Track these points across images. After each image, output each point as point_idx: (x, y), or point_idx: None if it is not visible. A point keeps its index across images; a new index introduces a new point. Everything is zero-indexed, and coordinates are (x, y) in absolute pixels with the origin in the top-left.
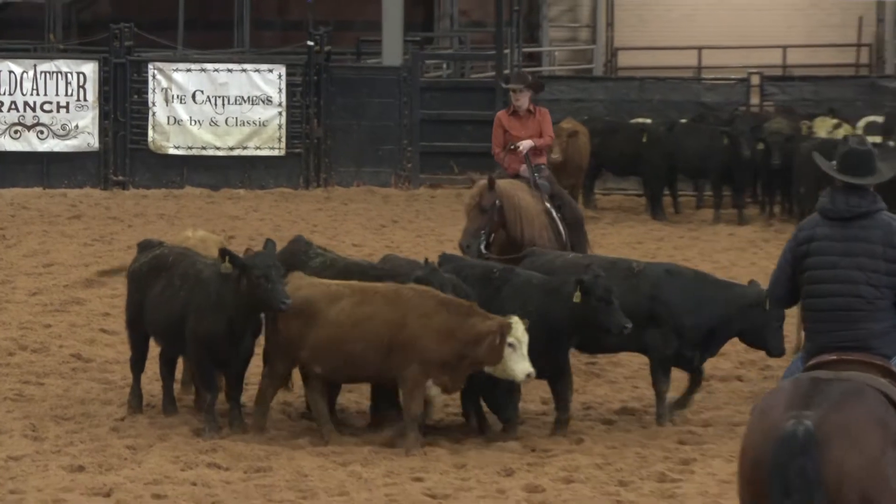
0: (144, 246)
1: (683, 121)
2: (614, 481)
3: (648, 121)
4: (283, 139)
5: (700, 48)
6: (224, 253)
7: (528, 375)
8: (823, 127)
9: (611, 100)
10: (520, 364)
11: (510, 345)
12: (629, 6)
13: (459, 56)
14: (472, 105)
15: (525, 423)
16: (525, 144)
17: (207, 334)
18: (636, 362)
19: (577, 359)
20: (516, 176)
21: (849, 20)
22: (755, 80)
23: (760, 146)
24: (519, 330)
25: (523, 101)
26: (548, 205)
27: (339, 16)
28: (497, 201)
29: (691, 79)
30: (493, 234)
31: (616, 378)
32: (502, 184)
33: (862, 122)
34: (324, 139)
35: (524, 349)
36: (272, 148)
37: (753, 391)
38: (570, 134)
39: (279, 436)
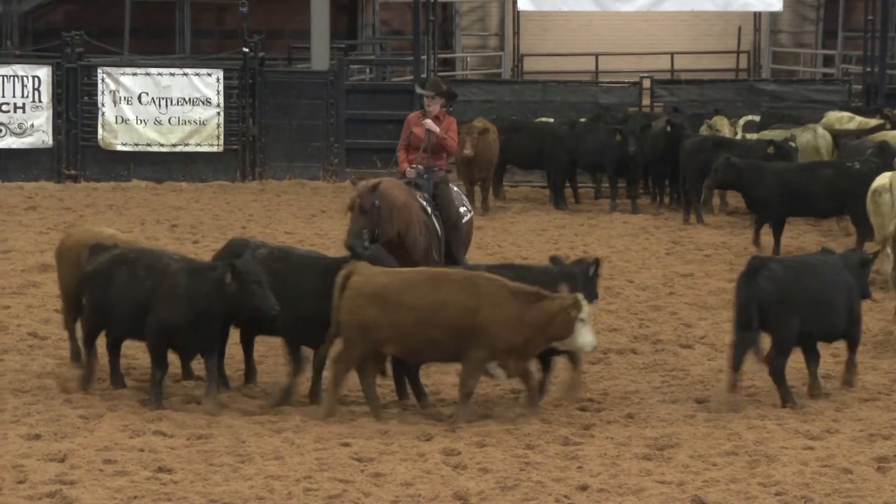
0: (96, 249)
1: (582, 120)
2: (522, 445)
3: (551, 120)
4: (222, 137)
5: (597, 54)
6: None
7: (594, 347)
8: (724, 125)
9: (517, 101)
10: (588, 337)
11: (581, 319)
12: (533, 16)
13: (381, 61)
14: (393, 106)
15: (441, 394)
16: (429, 124)
17: (170, 324)
18: None
19: None
20: (402, 177)
21: (729, 29)
22: (646, 83)
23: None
24: (586, 305)
25: (434, 107)
26: (424, 203)
27: (271, 25)
28: (376, 202)
29: (589, 82)
30: (375, 233)
31: None
32: (382, 185)
33: (742, 121)
34: (258, 137)
35: (590, 323)
36: (211, 145)
37: (646, 363)
38: (481, 132)
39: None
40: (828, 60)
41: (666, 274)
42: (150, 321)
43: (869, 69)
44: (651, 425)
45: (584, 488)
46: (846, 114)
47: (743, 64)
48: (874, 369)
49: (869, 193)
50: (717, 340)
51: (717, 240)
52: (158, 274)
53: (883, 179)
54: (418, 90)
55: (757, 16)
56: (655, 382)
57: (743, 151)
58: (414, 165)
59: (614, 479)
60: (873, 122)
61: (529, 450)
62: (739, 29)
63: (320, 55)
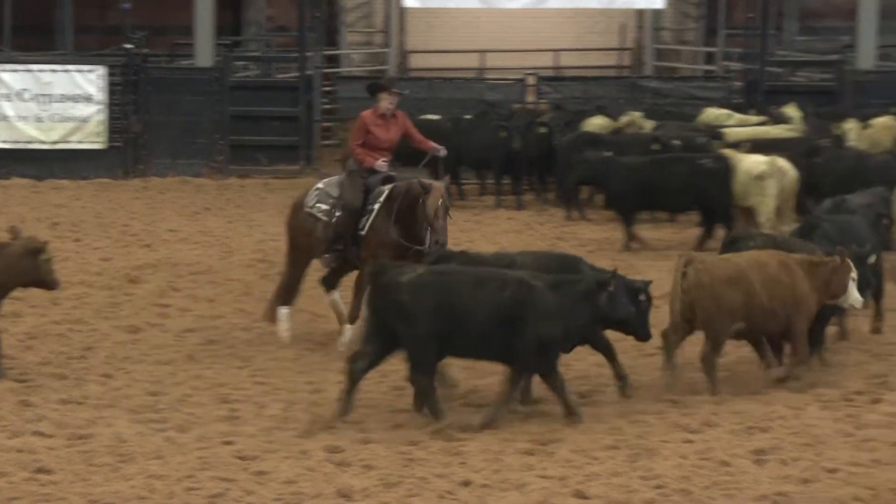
0: None
1: (468, 117)
2: (406, 441)
3: (437, 117)
4: (104, 134)
5: (483, 51)
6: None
7: (863, 304)
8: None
9: (403, 98)
10: (857, 293)
11: (853, 279)
12: (419, 13)
13: (266, 58)
14: (278, 103)
15: (324, 391)
16: (381, 166)
17: None
18: None
19: None
20: (371, 170)
21: (613, 27)
22: (531, 80)
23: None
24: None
25: (394, 104)
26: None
27: (154, 21)
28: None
29: (475, 79)
30: None
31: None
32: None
33: (625, 118)
34: (141, 134)
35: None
36: (94, 142)
37: None
38: None
39: (100, 404)
40: (710, 58)
41: None
42: None
43: (750, 66)
44: (534, 420)
45: (466, 484)
46: (725, 111)
47: (627, 61)
48: (752, 362)
49: (750, 179)
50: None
51: (601, 235)
52: None
53: (763, 165)
54: (390, 90)
55: (640, 13)
56: (538, 378)
57: (618, 148)
58: (383, 160)
59: (497, 475)
60: (754, 119)
61: (413, 446)
62: (623, 26)
63: (204, 51)
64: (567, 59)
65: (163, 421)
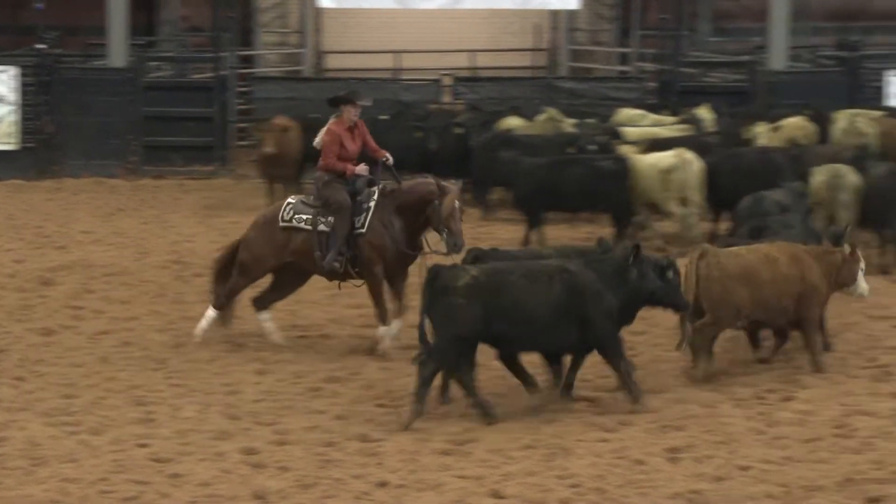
0: None
1: (384, 117)
2: (322, 442)
3: None
4: (17, 135)
5: (398, 52)
6: None
7: (870, 293)
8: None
9: (319, 98)
10: (865, 284)
11: (861, 269)
12: (334, 14)
13: (180, 58)
14: (193, 103)
15: (240, 393)
16: (362, 169)
17: None
18: (341, 334)
19: (289, 331)
20: (354, 176)
21: (528, 27)
22: (447, 80)
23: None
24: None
25: (357, 115)
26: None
27: (67, 21)
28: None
29: (390, 80)
30: None
31: (324, 350)
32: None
33: (542, 118)
34: (55, 134)
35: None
36: (6, 143)
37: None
38: (283, 129)
39: (13, 407)
40: (624, 58)
41: None
42: None
43: (663, 67)
44: (450, 420)
45: (383, 484)
46: (638, 111)
47: (542, 62)
48: (667, 361)
49: (657, 174)
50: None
51: (517, 235)
52: None
53: (670, 159)
54: (358, 102)
55: (555, 14)
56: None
57: (533, 149)
58: (363, 165)
59: (413, 475)
60: (668, 119)
61: (329, 447)
62: (538, 27)
63: (118, 52)
64: (483, 60)
65: (76, 424)
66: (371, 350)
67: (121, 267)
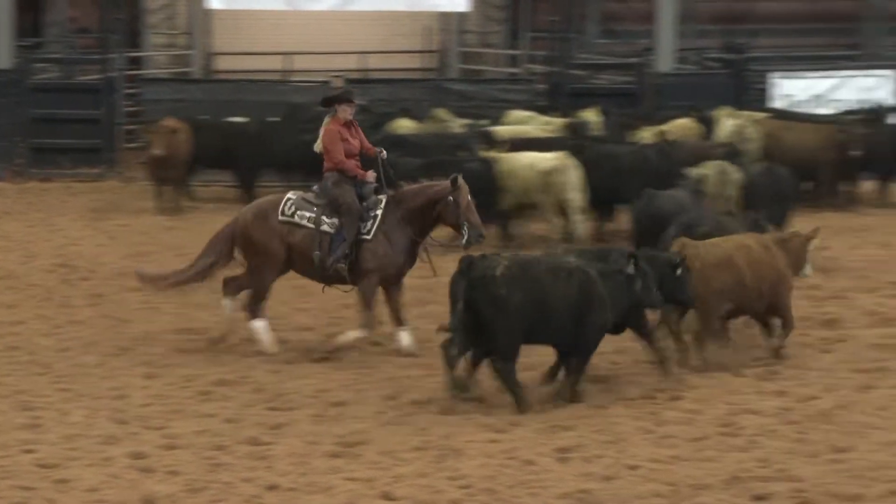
0: None
1: (274, 119)
2: (212, 446)
3: (243, 119)
4: None
5: (289, 53)
6: None
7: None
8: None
9: (209, 100)
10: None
11: (810, 250)
12: (225, 15)
13: (67, 59)
14: (80, 105)
15: (127, 397)
16: (371, 176)
17: None
18: (231, 337)
19: (178, 335)
20: (361, 182)
21: (418, 29)
22: (338, 82)
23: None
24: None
25: (352, 113)
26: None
27: None
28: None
29: (280, 81)
30: None
31: (214, 353)
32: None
33: (432, 116)
34: None
35: None
36: None
37: (338, 361)
38: (172, 131)
39: None
40: (514, 60)
41: None
42: None
43: (553, 69)
44: (341, 423)
45: (273, 488)
46: (528, 113)
47: (433, 63)
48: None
49: (537, 175)
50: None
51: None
52: None
53: (552, 161)
54: (354, 102)
55: (445, 16)
56: (347, 380)
57: (421, 150)
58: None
59: (304, 478)
60: (557, 121)
61: (219, 451)
62: (428, 29)
63: (3, 53)
64: (373, 62)
65: None
66: (333, 350)
67: (6, 271)
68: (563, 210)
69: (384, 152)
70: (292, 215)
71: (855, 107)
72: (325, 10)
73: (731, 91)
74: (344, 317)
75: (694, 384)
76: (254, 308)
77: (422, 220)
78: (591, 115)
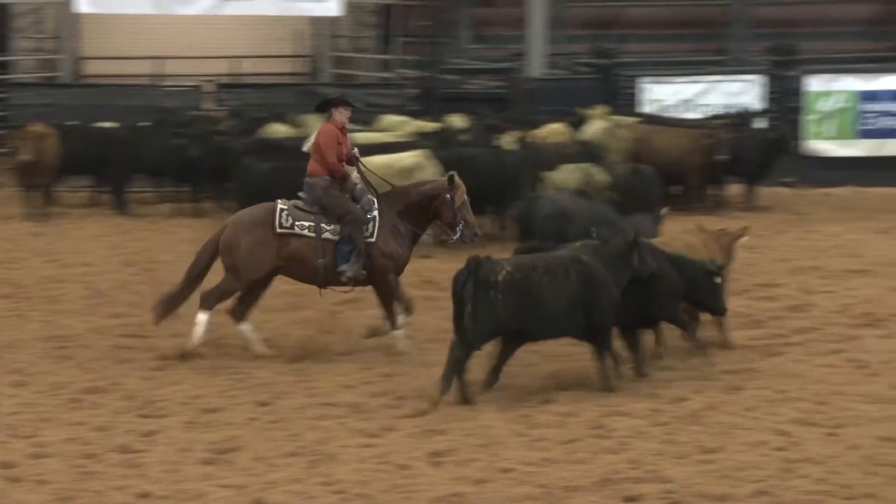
0: None
1: (144, 124)
2: (82, 454)
3: (113, 124)
4: None
5: (160, 58)
6: None
7: None
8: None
9: (78, 105)
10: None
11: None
12: (93, 19)
13: None
14: None
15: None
16: (355, 177)
17: None
18: (102, 344)
19: (47, 342)
20: (349, 183)
21: (290, 34)
22: (209, 87)
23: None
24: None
25: (349, 116)
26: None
27: None
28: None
29: (151, 86)
30: None
31: (84, 360)
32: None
33: (298, 121)
34: None
35: None
36: None
37: (211, 367)
38: (40, 136)
39: None
40: (386, 65)
41: None
42: None
43: (425, 74)
44: (213, 429)
45: (145, 496)
46: (401, 118)
47: (305, 68)
48: (427, 366)
49: (399, 172)
50: (282, 343)
51: None
52: None
53: (414, 157)
54: (353, 105)
55: (317, 21)
56: (221, 386)
57: (295, 154)
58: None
59: (176, 486)
60: (430, 125)
61: (89, 459)
62: (300, 33)
63: None
64: (246, 66)
65: None
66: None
67: None
68: None
69: (356, 150)
70: (291, 226)
71: (722, 111)
72: (196, 14)
73: (602, 96)
74: (215, 322)
75: (566, 386)
76: (210, 301)
77: (419, 216)
78: (458, 121)
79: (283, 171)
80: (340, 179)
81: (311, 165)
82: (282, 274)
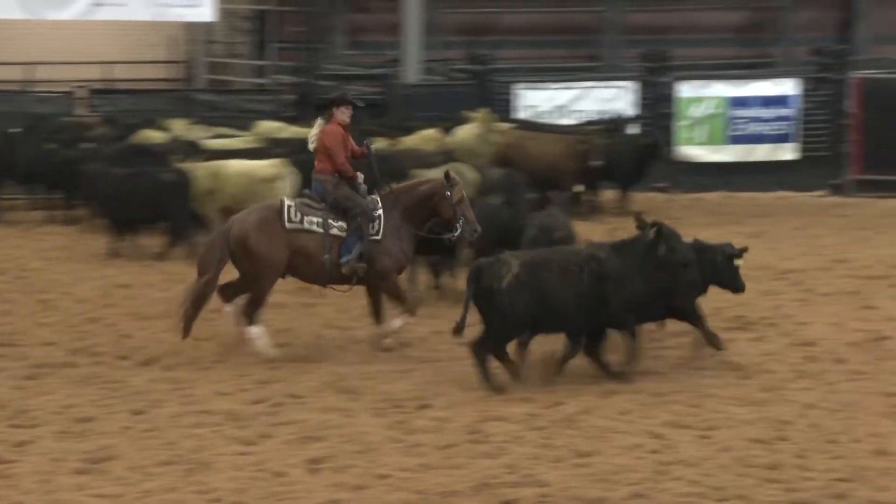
0: None
1: (16, 130)
2: None
3: None
4: None
5: (32, 63)
6: None
7: None
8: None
9: None
10: None
11: None
12: None
13: None
14: None
15: None
16: (359, 176)
17: None
18: None
19: None
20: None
21: (163, 40)
22: (83, 93)
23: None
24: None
25: (350, 115)
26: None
27: None
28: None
29: (22, 92)
30: None
31: None
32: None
33: (171, 127)
34: None
35: None
36: None
37: (84, 376)
38: None
39: None
40: (261, 71)
41: (103, 285)
42: None
43: (301, 80)
44: (87, 438)
45: None
46: (277, 123)
47: (180, 74)
48: (307, 373)
49: (257, 183)
50: (153, 351)
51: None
52: None
53: (272, 168)
54: (357, 104)
55: (191, 26)
56: (93, 395)
57: (160, 158)
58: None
59: (49, 496)
60: (306, 131)
61: None
62: (174, 39)
63: None
64: (119, 72)
65: None
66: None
67: None
68: None
69: (370, 142)
70: (301, 221)
71: (595, 117)
72: (68, 19)
73: (477, 102)
74: (88, 331)
75: (443, 392)
76: (251, 314)
77: (419, 214)
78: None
79: (137, 176)
80: (348, 179)
81: (319, 165)
82: (286, 271)
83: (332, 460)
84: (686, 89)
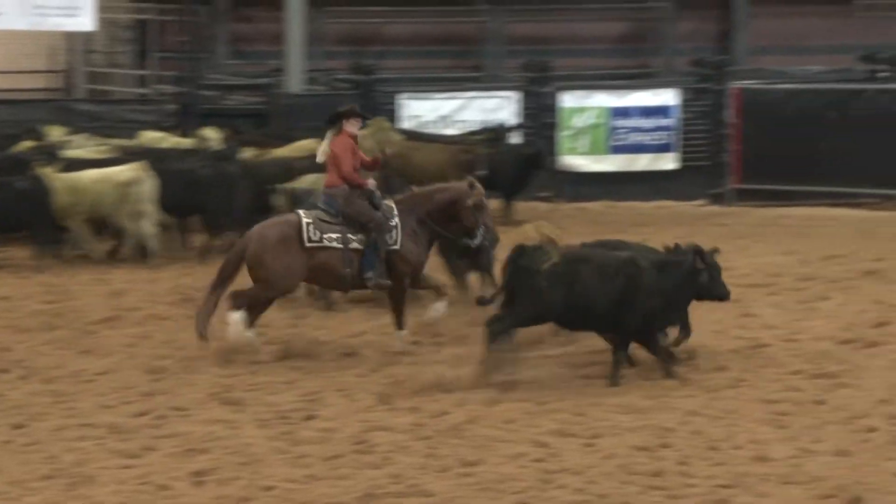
0: None
1: None
2: None
3: None
4: None
5: None
6: None
7: None
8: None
9: None
10: None
11: None
12: None
13: None
14: None
15: None
16: (371, 184)
17: None
18: None
19: None
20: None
21: (42, 49)
22: None
23: None
24: None
25: (360, 127)
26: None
27: None
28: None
29: None
30: None
31: None
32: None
33: (53, 134)
34: None
35: None
36: None
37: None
38: None
39: None
40: (143, 81)
41: None
42: None
43: (183, 90)
44: None
45: None
46: (160, 133)
47: (59, 83)
48: (190, 385)
49: (115, 188)
50: (35, 363)
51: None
52: None
53: (130, 172)
54: (365, 117)
55: (70, 36)
56: None
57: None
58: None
59: None
60: (187, 141)
61: None
62: (52, 48)
63: None
64: None
65: None
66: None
67: None
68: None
69: (386, 152)
70: (320, 239)
71: (479, 127)
72: None
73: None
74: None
75: (328, 402)
76: (240, 301)
77: (438, 220)
78: (211, 134)
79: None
80: (357, 188)
81: (329, 178)
82: (305, 281)
83: (217, 472)
84: (568, 99)
